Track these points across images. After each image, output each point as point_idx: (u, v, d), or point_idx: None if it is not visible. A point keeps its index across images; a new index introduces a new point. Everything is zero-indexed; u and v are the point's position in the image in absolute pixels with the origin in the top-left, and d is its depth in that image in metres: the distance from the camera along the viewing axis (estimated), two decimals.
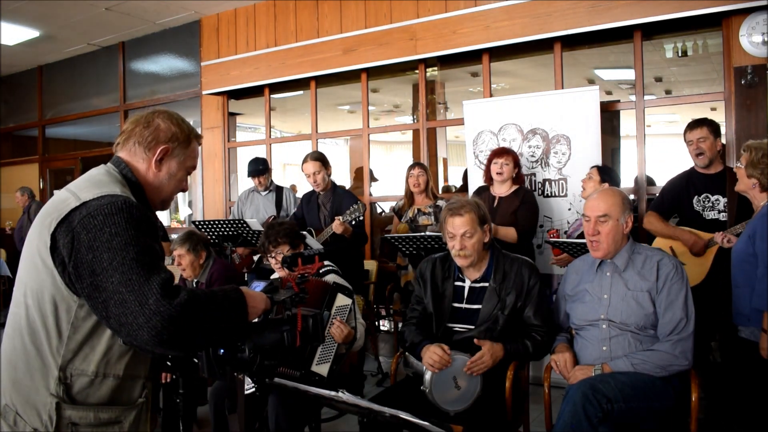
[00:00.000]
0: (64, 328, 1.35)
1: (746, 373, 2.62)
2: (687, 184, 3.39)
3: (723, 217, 3.26)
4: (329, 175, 4.23)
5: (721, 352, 3.22)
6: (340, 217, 3.85)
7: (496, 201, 3.80)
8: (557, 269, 3.92)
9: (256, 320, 1.53)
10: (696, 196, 3.35)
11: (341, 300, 2.60)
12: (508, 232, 3.60)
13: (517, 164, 3.83)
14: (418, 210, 4.41)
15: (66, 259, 1.32)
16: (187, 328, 1.29)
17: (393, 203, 4.92)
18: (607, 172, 3.63)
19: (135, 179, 1.51)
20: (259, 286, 1.65)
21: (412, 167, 4.45)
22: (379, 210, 6.27)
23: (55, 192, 1.51)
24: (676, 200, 3.40)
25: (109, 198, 1.36)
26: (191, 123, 1.64)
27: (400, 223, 4.49)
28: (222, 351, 1.47)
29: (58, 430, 1.34)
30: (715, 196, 3.30)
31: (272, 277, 3.07)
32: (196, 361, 1.53)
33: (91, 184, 1.43)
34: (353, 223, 3.85)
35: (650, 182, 4.51)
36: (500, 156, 3.80)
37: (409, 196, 4.46)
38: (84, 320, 1.35)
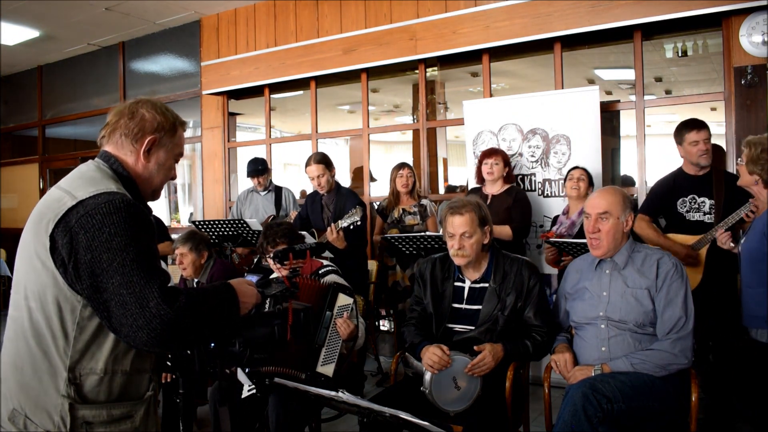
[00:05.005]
0: (69, 329, 1.34)
1: (760, 378, 2.56)
2: (674, 186, 3.37)
3: (708, 219, 3.25)
4: (333, 176, 4.18)
5: (715, 354, 3.20)
6: (338, 223, 3.81)
7: (489, 199, 3.88)
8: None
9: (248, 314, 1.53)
10: (681, 198, 3.32)
11: (342, 300, 2.60)
12: (503, 231, 3.69)
13: (507, 163, 3.94)
14: (404, 210, 4.41)
15: (66, 260, 1.31)
16: (184, 329, 1.30)
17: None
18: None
19: (126, 173, 1.48)
20: (252, 279, 1.65)
21: (400, 167, 4.43)
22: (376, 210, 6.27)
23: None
24: (664, 202, 3.38)
25: (106, 196, 1.34)
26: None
27: (386, 223, 4.48)
28: (212, 345, 1.49)
29: (73, 431, 1.33)
30: (702, 198, 3.28)
31: (271, 276, 3.07)
32: (188, 352, 1.55)
33: (85, 182, 1.40)
34: (351, 227, 3.81)
35: (628, 182, 4.51)
36: (490, 156, 3.91)
37: (396, 196, 4.45)
38: (89, 320, 1.34)
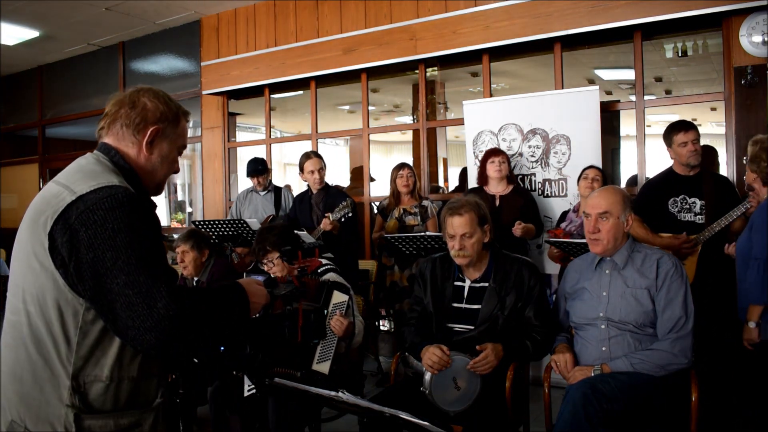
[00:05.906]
0: (72, 334, 1.25)
1: (760, 378, 2.57)
2: (665, 186, 3.38)
3: (699, 219, 3.25)
4: (325, 174, 4.37)
5: (714, 354, 3.20)
6: (330, 215, 3.91)
7: (498, 200, 3.88)
8: (557, 268, 3.92)
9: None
10: (673, 198, 3.32)
11: (338, 297, 2.59)
12: (531, 230, 3.82)
13: (509, 163, 4.02)
14: (404, 210, 4.42)
15: (66, 260, 1.23)
16: (194, 330, 1.25)
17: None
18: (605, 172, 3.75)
19: (128, 166, 1.39)
20: (258, 279, 1.63)
21: (400, 168, 4.46)
22: (376, 210, 6.28)
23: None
24: (654, 201, 3.38)
25: (107, 190, 1.25)
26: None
27: (386, 222, 4.50)
28: (222, 348, 1.45)
29: None
30: (692, 199, 3.28)
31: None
32: (196, 361, 1.52)
33: (84, 175, 1.31)
34: (342, 220, 3.90)
35: (633, 182, 4.51)
36: (497, 155, 3.96)
37: (396, 196, 4.47)
38: (92, 324, 1.26)
